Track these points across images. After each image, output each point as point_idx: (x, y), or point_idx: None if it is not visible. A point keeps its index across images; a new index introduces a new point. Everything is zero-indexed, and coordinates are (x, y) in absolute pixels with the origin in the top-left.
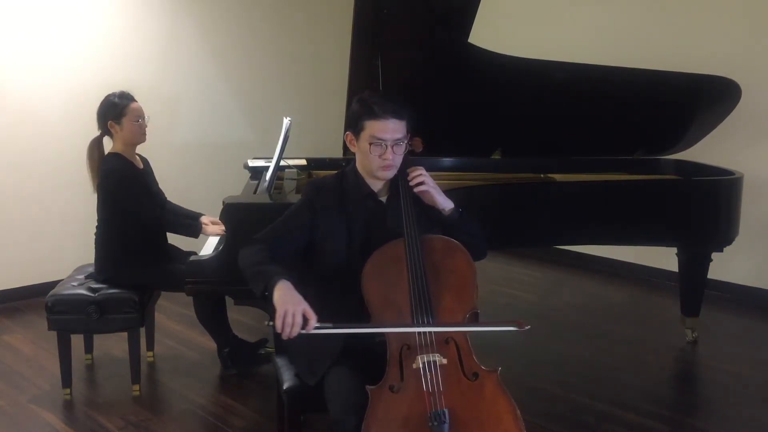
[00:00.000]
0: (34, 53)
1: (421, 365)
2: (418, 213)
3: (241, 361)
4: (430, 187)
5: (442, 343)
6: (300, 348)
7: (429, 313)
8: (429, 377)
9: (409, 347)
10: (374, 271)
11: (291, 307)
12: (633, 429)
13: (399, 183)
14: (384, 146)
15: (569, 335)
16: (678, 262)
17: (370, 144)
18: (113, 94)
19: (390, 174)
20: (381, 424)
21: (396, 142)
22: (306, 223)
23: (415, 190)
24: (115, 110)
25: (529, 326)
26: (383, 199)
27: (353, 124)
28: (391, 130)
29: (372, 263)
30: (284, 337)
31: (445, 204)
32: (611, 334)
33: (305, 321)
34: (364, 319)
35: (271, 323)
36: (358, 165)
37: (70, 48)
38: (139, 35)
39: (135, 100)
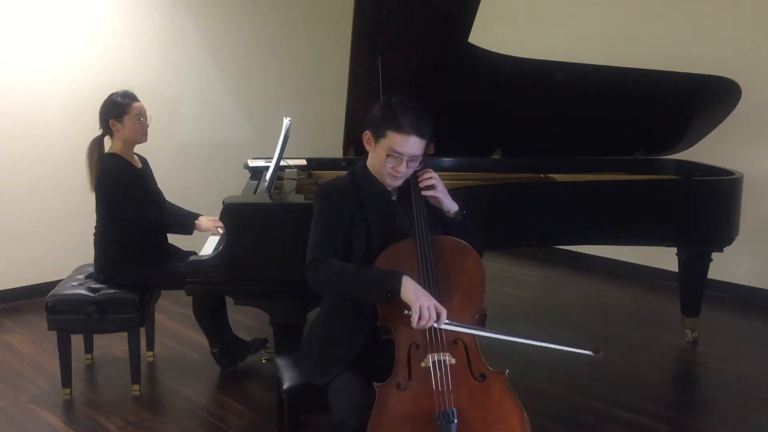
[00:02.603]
0: (34, 54)
1: (430, 363)
2: (426, 213)
3: (233, 357)
4: (440, 191)
5: (451, 343)
6: (313, 348)
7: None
8: (438, 376)
9: (418, 346)
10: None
11: (426, 301)
12: (633, 429)
13: (410, 183)
14: (400, 160)
15: (569, 335)
16: (678, 262)
17: (387, 155)
18: (116, 93)
19: (396, 184)
20: (388, 420)
21: (412, 158)
22: (342, 225)
23: (424, 192)
24: (118, 109)
25: (602, 353)
26: (393, 198)
27: (375, 127)
28: (410, 146)
29: (381, 262)
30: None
31: (451, 206)
32: (611, 334)
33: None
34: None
35: (408, 312)
36: (370, 164)
37: (70, 48)
38: (139, 35)
39: (138, 100)
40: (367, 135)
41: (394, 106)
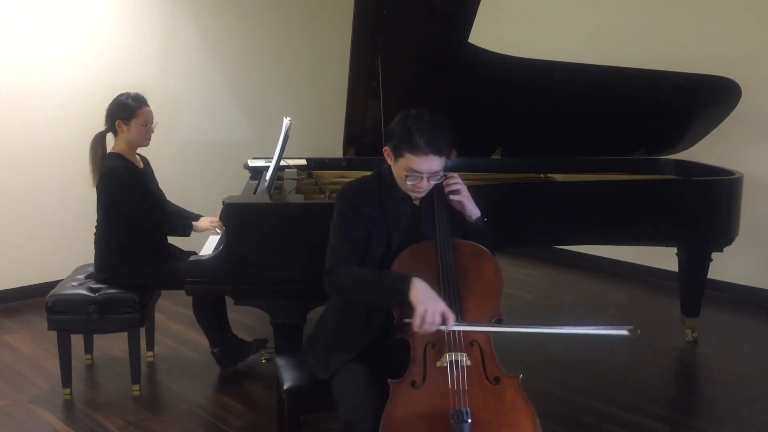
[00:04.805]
0: (34, 53)
1: (447, 363)
2: (447, 217)
3: (234, 357)
4: (464, 196)
5: (468, 344)
6: (320, 340)
7: (458, 314)
8: (455, 375)
9: (434, 346)
10: (403, 270)
11: (432, 305)
12: (633, 429)
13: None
14: (420, 178)
15: (569, 335)
16: (678, 262)
17: (407, 175)
18: (127, 95)
19: (418, 197)
20: (401, 418)
21: (432, 174)
22: (362, 227)
23: (450, 197)
24: (126, 111)
25: (639, 330)
26: (417, 202)
27: (394, 146)
28: (429, 165)
29: (400, 263)
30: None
31: (474, 211)
32: None
33: (443, 320)
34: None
35: (407, 321)
36: (394, 172)
37: (71, 49)
38: (139, 35)
39: (147, 105)
40: (386, 150)
41: (410, 124)
